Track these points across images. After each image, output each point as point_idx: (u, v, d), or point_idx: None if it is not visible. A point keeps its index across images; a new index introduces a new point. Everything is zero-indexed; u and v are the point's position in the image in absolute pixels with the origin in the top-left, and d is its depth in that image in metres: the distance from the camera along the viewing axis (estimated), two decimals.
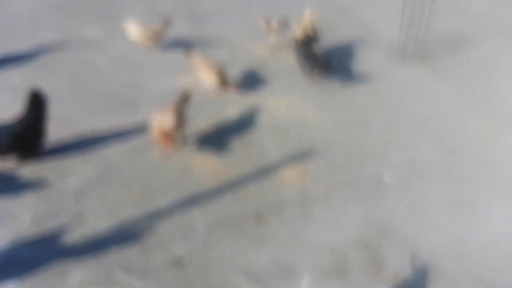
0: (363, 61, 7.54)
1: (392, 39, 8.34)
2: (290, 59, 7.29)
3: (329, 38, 8.13)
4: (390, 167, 5.04)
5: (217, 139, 5.16)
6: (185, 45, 7.40)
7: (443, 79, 7.14)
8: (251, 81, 6.46)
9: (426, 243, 4.09)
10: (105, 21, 8.05)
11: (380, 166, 5.03)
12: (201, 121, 5.43)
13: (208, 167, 4.70)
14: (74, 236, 3.75)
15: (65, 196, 4.14)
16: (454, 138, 5.64)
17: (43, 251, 3.59)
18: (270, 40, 6.73)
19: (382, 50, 8.03)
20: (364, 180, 4.78)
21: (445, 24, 9.21)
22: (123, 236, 3.81)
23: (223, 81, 5.66)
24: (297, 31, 7.20)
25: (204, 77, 5.85)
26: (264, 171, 4.76)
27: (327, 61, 6.65)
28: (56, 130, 4.98)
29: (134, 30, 6.83)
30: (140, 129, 5.18)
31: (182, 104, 4.98)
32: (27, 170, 4.39)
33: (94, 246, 3.68)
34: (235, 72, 5.74)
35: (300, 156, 5.04)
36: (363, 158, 5.13)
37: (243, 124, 5.48)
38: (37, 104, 4.57)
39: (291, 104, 6.06)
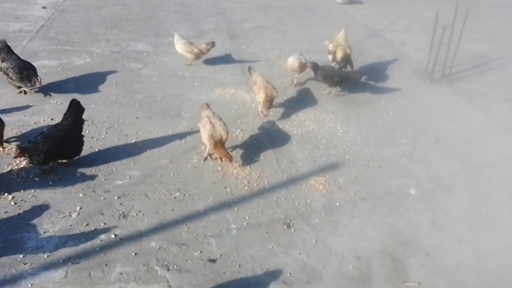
0: (392, 80, 7.43)
1: (421, 59, 8.21)
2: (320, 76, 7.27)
3: (361, 58, 8.08)
4: (416, 181, 4.91)
5: (251, 148, 5.18)
6: (228, 61, 7.52)
7: (470, 99, 6.94)
8: (284, 95, 6.48)
9: (449, 256, 3.94)
10: (153, 37, 8.28)
11: (405, 180, 4.92)
12: (237, 131, 5.48)
13: (242, 174, 4.72)
14: (117, 231, 3.82)
15: (110, 195, 4.24)
16: (478, 156, 5.46)
17: (87, 244, 3.67)
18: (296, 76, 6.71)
19: (411, 70, 7.90)
20: (389, 192, 4.68)
21: (472, 46, 9.00)
22: (162, 234, 3.85)
23: (267, 102, 5.62)
24: (332, 50, 7.15)
25: (256, 92, 5.86)
26: (294, 180, 4.74)
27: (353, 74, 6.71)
28: (105, 134, 5.14)
29: (180, 44, 6.98)
30: (181, 136, 5.27)
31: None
32: (77, 170, 4.52)
33: (135, 242, 3.73)
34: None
35: (329, 167, 4.99)
36: (389, 172, 5.03)
37: (276, 135, 5.49)
38: (73, 111, 4.53)
39: (321, 118, 6.03)
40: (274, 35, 9.11)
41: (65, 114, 4.51)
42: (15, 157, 4.25)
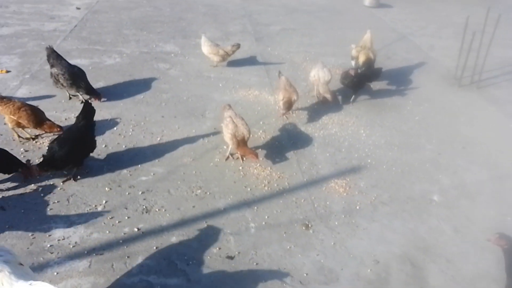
0: (420, 85, 7.33)
1: (449, 65, 8.06)
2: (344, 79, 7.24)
3: (388, 62, 8.00)
4: (440, 187, 4.84)
5: (273, 149, 5.23)
6: (253, 63, 7.60)
7: (499, 106, 6.77)
8: (308, 97, 6.50)
9: (471, 264, 3.87)
10: (180, 38, 8.46)
11: (429, 186, 4.85)
12: (260, 132, 5.54)
13: (262, 174, 4.77)
14: (140, 225, 3.94)
15: (135, 190, 4.37)
16: (506, 165, 5.32)
17: (111, 236, 3.80)
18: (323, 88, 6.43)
19: (439, 75, 7.77)
20: (412, 198, 4.62)
21: (503, 51, 8.77)
22: (183, 229, 3.94)
23: (285, 103, 5.63)
24: (355, 55, 7.11)
25: (277, 93, 5.95)
26: (314, 182, 4.75)
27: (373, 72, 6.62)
28: (132, 131, 5.30)
29: (206, 46, 7.11)
30: (204, 135, 5.37)
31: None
32: (104, 165, 4.68)
33: (157, 236, 3.83)
34: (295, 88, 5.78)
35: (350, 170, 4.98)
36: (412, 177, 4.97)
37: (297, 137, 5.52)
38: (86, 114, 4.54)
39: (344, 121, 6.01)
40: (300, 38, 9.13)
41: (78, 117, 4.53)
42: (37, 176, 4.26)
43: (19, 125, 4.76)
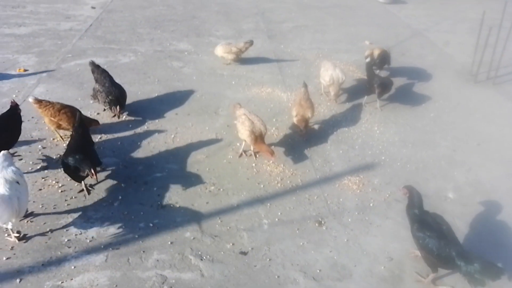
0: (435, 81, 7.26)
1: (465, 61, 7.95)
2: (358, 75, 7.23)
3: (402, 59, 7.94)
4: (454, 185, 4.79)
5: (286, 146, 5.25)
6: (265, 61, 7.62)
7: None
8: (321, 94, 6.49)
9: None
10: (194, 37, 8.52)
11: (444, 183, 4.81)
12: (273, 129, 5.55)
13: (275, 171, 4.79)
14: (155, 221, 4.00)
15: (150, 186, 4.43)
16: None
17: (127, 231, 3.87)
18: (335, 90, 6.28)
19: (454, 72, 7.67)
20: (426, 195, 4.55)
21: None
22: (197, 225, 3.99)
23: (299, 121, 5.29)
24: (369, 53, 7.07)
25: (292, 109, 5.56)
26: (328, 179, 4.75)
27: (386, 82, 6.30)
28: (146, 128, 5.37)
29: (219, 47, 7.17)
30: (217, 132, 5.42)
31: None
32: (120, 162, 4.76)
33: (171, 232, 3.89)
34: (308, 85, 5.76)
35: (363, 167, 4.96)
36: (427, 174, 4.94)
37: (310, 134, 5.51)
38: (80, 122, 4.50)
39: (357, 118, 5.99)
40: (313, 35, 9.11)
41: (75, 128, 4.45)
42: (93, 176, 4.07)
43: (59, 126, 4.86)
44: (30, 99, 4.81)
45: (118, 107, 5.40)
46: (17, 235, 3.68)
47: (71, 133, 4.57)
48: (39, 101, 4.81)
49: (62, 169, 4.16)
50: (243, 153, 5.00)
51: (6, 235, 3.69)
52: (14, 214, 3.45)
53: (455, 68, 7.82)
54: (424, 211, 3.65)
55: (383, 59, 6.89)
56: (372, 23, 10.28)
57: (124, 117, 5.55)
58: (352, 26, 9.89)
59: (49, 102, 4.87)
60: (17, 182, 3.51)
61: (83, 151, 4.09)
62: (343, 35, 9.26)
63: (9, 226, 3.55)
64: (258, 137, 4.75)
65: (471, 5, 11.99)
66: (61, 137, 4.98)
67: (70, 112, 4.80)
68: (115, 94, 5.41)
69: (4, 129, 4.32)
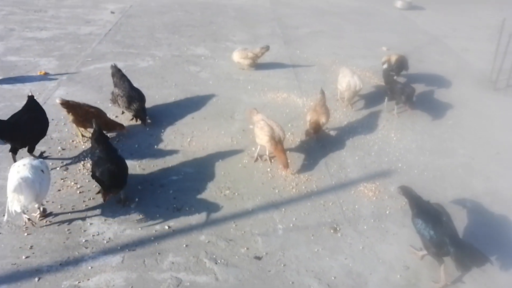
0: (453, 88, 7.18)
1: (484, 68, 7.85)
2: (374, 81, 7.19)
3: (420, 65, 7.87)
4: (472, 193, 4.72)
5: (301, 152, 5.24)
6: (281, 66, 7.64)
7: None
8: (337, 100, 6.47)
9: (505, 272, 3.76)
10: (211, 42, 8.60)
11: (461, 192, 4.74)
12: (288, 134, 5.55)
13: (290, 177, 4.78)
14: (170, 223, 4.03)
15: (166, 189, 4.47)
16: None
17: (143, 233, 3.90)
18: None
19: (473, 79, 7.58)
20: (444, 203, 4.51)
21: None
22: (212, 228, 4.01)
23: (312, 124, 5.26)
24: (385, 59, 7.03)
25: (307, 115, 5.54)
26: (343, 185, 4.73)
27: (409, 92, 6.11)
28: (163, 132, 5.43)
29: (236, 52, 7.22)
30: (233, 137, 5.44)
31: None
32: (137, 165, 4.81)
33: (186, 235, 3.91)
34: (324, 91, 5.75)
35: (380, 174, 4.93)
36: (444, 183, 4.87)
37: (326, 140, 5.50)
38: (99, 138, 4.35)
39: (374, 124, 5.95)
40: (329, 41, 9.11)
41: (92, 146, 4.36)
42: (105, 201, 4.05)
43: (85, 126, 4.99)
44: (58, 100, 4.93)
45: (143, 114, 5.44)
46: (42, 212, 3.93)
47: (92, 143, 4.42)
48: (66, 101, 4.93)
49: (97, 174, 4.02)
50: (258, 157, 5.01)
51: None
52: (34, 197, 3.63)
53: (474, 75, 7.72)
54: (424, 202, 3.79)
55: (401, 64, 6.85)
56: (390, 29, 10.22)
57: (150, 121, 5.55)
58: (369, 32, 9.85)
59: (76, 103, 4.99)
60: (42, 171, 3.76)
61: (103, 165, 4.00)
62: (359, 41, 9.23)
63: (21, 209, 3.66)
64: (278, 143, 4.73)
65: (490, 11, 11.83)
66: (82, 135, 5.07)
67: (97, 113, 4.92)
68: (134, 97, 5.43)
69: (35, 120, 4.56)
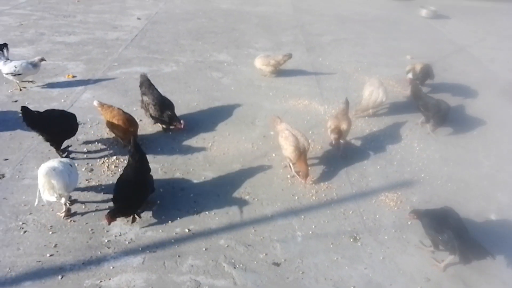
0: (478, 99, 7.04)
1: (510, 79, 7.67)
2: (397, 89, 7.11)
3: (445, 74, 7.75)
4: (497, 206, 4.61)
5: (321, 159, 5.22)
6: (303, 73, 7.65)
7: None
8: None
9: None
10: (233, 48, 8.68)
11: (486, 204, 4.63)
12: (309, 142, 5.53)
13: (311, 185, 4.77)
14: (190, 226, 4.07)
15: (186, 192, 4.51)
16: None
17: (163, 235, 3.96)
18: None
19: (499, 89, 7.41)
20: (467, 215, 4.43)
21: None
22: (231, 233, 4.03)
23: (335, 133, 5.15)
24: (410, 68, 6.95)
25: (328, 122, 5.49)
26: (364, 194, 4.68)
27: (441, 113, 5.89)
28: (185, 136, 5.49)
29: (258, 59, 7.27)
30: (253, 142, 5.47)
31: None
32: (159, 168, 4.89)
33: (206, 238, 3.94)
34: (344, 98, 5.72)
35: (402, 184, 4.86)
36: (468, 194, 4.77)
37: (347, 148, 5.46)
38: (142, 153, 4.22)
39: (396, 133, 5.88)
40: (352, 48, 9.07)
41: (132, 154, 4.11)
42: (109, 224, 3.86)
43: (113, 130, 5.10)
44: (95, 103, 5.12)
45: (175, 120, 5.44)
46: (67, 212, 4.06)
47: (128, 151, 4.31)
48: (101, 104, 5.10)
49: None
50: (295, 174, 4.88)
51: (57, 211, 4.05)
52: (65, 186, 3.83)
53: (500, 86, 7.55)
54: (433, 211, 3.99)
55: (426, 73, 6.77)
56: (414, 37, 10.11)
57: (183, 125, 5.47)
58: (393, 40, 9.77)
59: (109, 106, 5.12)
60: (70, 165, 4.00)
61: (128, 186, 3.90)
62: (383, 49, 9.16)
63: (61, 200, 3.93)
64: (302, 154, 4.69)
65: None
66: (120, 138, 5.11)
67: (122, 121, 4.96)
68: (166, 104, 5.46)
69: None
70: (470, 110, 6.62)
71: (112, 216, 3.79)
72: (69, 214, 4.06)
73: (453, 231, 3.67)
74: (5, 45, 6.18)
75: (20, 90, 6.30)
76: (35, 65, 6.16)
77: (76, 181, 4.03)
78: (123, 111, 5.13)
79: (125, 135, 5.01)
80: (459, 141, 5.78)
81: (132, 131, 5.04)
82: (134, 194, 3.93)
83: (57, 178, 3.76)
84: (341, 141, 5.28)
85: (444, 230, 3.70)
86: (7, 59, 6.12)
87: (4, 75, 6.11)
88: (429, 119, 5.91)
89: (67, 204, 4.04)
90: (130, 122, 5.06)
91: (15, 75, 6.07)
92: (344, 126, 5.22)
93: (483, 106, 6.77)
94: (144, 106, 5.58)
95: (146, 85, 5.67)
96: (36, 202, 3.95)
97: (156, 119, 5.51)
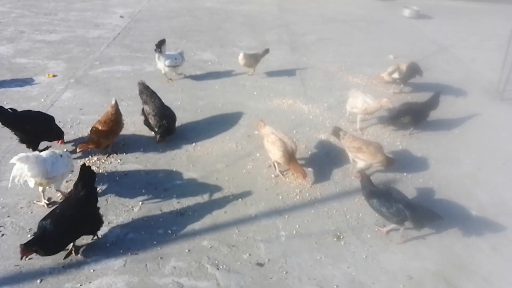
0: (460, 98, 7.15)
1: (492, 78, 7.81)
2: (380, 89, 7.17)
3: (427, 74, 7.83)
4: (478, 204, 4.68)
5: (305, 159, 5.23)
6: (288, 73, 7.65)
7: None
8: (343, 108, 6.46)
9: (510, 284, 3.71)
10: (218, 47, 8.64)
11: (467, 202, 4.70)
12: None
13: (294, 183, 4.77)
14: (173, 228, 4.03)
15: (170, 193, 4.47)
16: None
17: (146, 237, 3.90)
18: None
19: (480, 88, 7.54)
20: (449, 213, 4.49)
21: None
22: (214, 234, 4.00)
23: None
24: (393, 69, 6.99)
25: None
26: (347, 193, 4.71)
27: None
28: (168, 136, 5.43)
29: (240, 56, 7.24)
30: (237, 142, 5.45)
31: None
32: (141, 168, 4.83)
33: (189, 239, 3.91)
34: (330, 98, 5.75)
35: (384, 182, 4.90)
36: (450, 192, 4.84)
37: (331, 147, 5.49)
38: (86, 180, 3.72)
39: (379, 132, 5.93)
40: (336, 48, 9.12)
41: (76, 184, 3.67)
42: (21, 258, 3.30)
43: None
44: (113, 101, 5.01)
45: (166, 134, 5.25)
46: (47, 202, 4.12)
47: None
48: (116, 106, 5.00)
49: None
50: (279, 173, 4.88)
51: (35, 201, 4.16)
52: (42, 173, 3.83)
53: (482, 85, 7.68)
54: (375, 186, 4.21)
55: (414, 71, 6.83)
56: (397, 37, 10.22)
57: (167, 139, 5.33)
58: (377, 40, 9.85)
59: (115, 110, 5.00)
60: (60, 155, 4.06)
61: (60, 221, 3.40)
62: (367, 48, 9.23)
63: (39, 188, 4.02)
64: (291, 156, 4.66)
65: (499, 22, 11.80)
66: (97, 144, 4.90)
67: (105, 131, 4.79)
68: (167, 115, 5.30)
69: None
70: (452, 109, 6.71)
71: (27, 248, 3.23)
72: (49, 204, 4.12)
73: (401, 203, 3.95)
74: (164, 41, 6.68)
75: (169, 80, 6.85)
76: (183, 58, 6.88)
77: (61, 171, 4.01)
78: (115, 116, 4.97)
79: (96, 143, 4.79)
80: (441, 140, 5.86)
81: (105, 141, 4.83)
82: (64, 234, 3.42)
83: (31, 165, 3.76)
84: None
85: (393, 204, 3.96)
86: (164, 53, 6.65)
87: (166, 67, 6.72)
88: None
89: (45, 197, 4.13)
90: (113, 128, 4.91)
91: (175, 66, 6.77)
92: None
93: (465, 105, 6.88)
94: (144, 115, 5.38)
95: (147, 93, 5.45)
96: (9, 185, 3.93)
97: (156, 132, 5.27)
